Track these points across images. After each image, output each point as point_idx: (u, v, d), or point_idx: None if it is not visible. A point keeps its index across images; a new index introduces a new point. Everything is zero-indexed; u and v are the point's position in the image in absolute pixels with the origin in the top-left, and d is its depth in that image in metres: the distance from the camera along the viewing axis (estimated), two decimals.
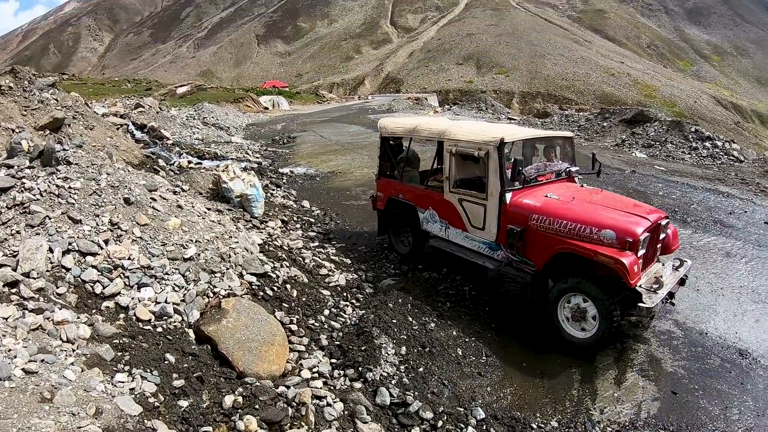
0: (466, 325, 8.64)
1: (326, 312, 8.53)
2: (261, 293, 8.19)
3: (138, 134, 27.87)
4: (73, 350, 5.68)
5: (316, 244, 11.81)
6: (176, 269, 7.82)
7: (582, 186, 9.80)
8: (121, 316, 6.76)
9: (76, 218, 8.03)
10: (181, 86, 69.88)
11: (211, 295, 7.67)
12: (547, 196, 8.65)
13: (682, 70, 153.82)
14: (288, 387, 6.51)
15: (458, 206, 9.61)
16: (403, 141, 11.78)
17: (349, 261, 10.99)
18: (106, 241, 7.82)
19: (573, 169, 9.93)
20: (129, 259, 7.66)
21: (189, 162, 21.36)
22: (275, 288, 8.46)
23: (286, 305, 8.22)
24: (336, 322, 8.36)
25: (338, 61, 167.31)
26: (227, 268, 8.28)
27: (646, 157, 25.61)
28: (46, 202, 8.20)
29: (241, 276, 8.33)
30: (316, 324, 8.15)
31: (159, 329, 6.75)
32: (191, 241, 8.49)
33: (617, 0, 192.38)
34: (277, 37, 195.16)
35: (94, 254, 7.55)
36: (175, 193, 11.58)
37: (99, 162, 9.80)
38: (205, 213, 10.33)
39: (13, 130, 14.63)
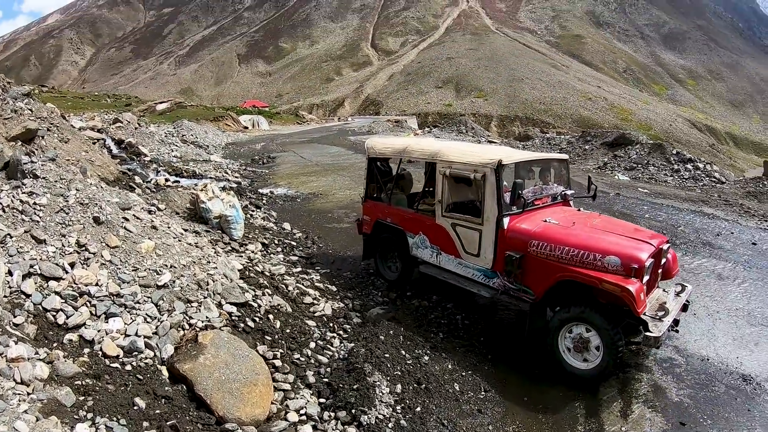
0: (462, 357, 8.11)
1: (312, 345, 7.87)
2: (242, 325, 7.52)
3: (115, 150, 27.53)
4: (28, 394, 4.95)
5: (299, 269, 11.16)
6: (149, 297, 7.13)
7: (579, 210, 9.35)
8: (86, 351, 6.04)
9: (40, 238, 7.34)
10: (160, 103, 69.49)
11: (187, 327, 6.97)
12: (546, 221, 8.22)
13: (658, 94, 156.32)
14: None
15: (451, 231, 9.11)
16: (391, 162, 11.28)
17: (334, 288, 10.36)
18: (72, 265, 7.12)
19: (569, 192, 9.57)
20: (96, 285, 6.96)
21: (166, 180, 20.83)
22: (257, 319, 7.79)
23: (269, 338, 7.54)
24: (323, 356, 7.71)
25: (318, 83, 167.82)
26: (205, 297, 7.60)
27: (629, 180, 25.60)
28: (9, 218, 7.51)
29: (219, 306, 7.64)
30: (302, 359, 7.48)
31: (128, 367, 6.02)
32: (166, 266, 7.81)
33: (594, 25, 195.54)
34: (258, 57, 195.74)
35: (58, 279, 6.84)
36: (150, 212, 10.95)
37: (69, 177, 9.12)
38: (182, 234, 9.68)
39: None
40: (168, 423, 5.28)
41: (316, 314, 8.81)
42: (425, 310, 9.63)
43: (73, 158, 16.48)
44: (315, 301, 9.25)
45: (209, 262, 8.57)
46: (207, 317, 7.23)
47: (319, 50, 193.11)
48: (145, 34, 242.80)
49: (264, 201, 18.77)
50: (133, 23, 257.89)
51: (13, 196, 7.95)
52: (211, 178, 23.19)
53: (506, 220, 8.26)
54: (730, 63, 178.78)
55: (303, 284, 9.98)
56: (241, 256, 10.83)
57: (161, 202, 13.85)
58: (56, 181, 8.68)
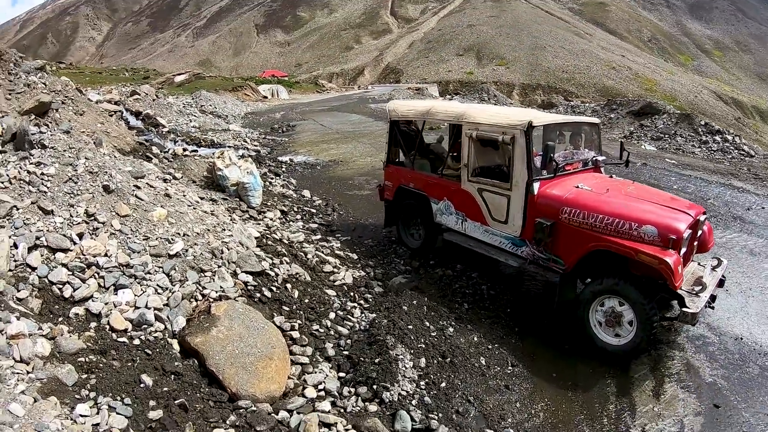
0: (488, 329, 7.74)
1: (332, 315, 7.53)
2: (258, 295, 7.17)
3: (133, 121, 27.32)
4: (27, 373, 4.65)
5: (319, 237, 10.82)
6: (160, 267, 6.81)
7: (611, 177, 8.85)
8: (92, 325, 5.75)
9: (48, 208, 7.03)
10: (179, 75, 68.72)
11: (200, 298, 6.64)
12: (578, 187, 7.74)
13: (683, 65, 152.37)
14: (290, 412, 5.54)
15: (477, 197, 8.68)
16: (412, 126, 10.87)
17: (355, 256, 10.00)
18: (80, 235, 6.82)
19: (600, 158, 9.01)
20: (105, 255, 6.66)
21: (184, 149, 20.31)
22: (274, 288, 7.44)
23: (287, 308, 7.21)
24: (343, 327, 7.37)
25: (338, 51, 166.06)
26: (219, 266, 7.26)
27: (656, 150, 24.80)
28: (15, 190, 7.23)
29: (234, 275, 7.30)
30: (321, 330, 7.14)
31: (136, 341, 5.71)
32: (178, 234, 7.48)
33: None
34: (276, 27, 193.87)
35: (65, 250, 6.55)
36: (165, 180, 10.65)
37: (78, 146, 8.77)
38: (197, 203, 9.34)
39: None
40: (176, 401, 4.96)
41: (336, 283, 8.46)
42: (449, 280, 9.25)
43: (89, 130, 16.18)
44: (335, 270, 8.90)
45: (224, 230, 8.24)
46: (221, 287, 6.90)
47: (337, 18, 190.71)
48: (162, 7, 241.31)
49: (283, 169, 18.41)
50: None
51: (20, 167, 7.66)
52: (229, 147, 22.73)
53: (536, 185, 7.83)
54: (758, 35, 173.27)
55: (322, 252, 9.63)
56: (259, 224, 10.50)
57: (177, 170, 13.53)
58: (65, 151, 8.35)
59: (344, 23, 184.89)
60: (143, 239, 7.11)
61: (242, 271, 7.39)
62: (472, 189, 8.76)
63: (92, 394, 4.78)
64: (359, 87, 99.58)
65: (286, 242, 9.45)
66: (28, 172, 7.57)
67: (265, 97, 60.98)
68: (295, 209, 12.85)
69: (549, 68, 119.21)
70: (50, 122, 15.42)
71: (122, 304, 6.12)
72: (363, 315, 7.81)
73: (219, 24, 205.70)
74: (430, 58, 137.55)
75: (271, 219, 11.41)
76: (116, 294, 6.27)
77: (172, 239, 7.27)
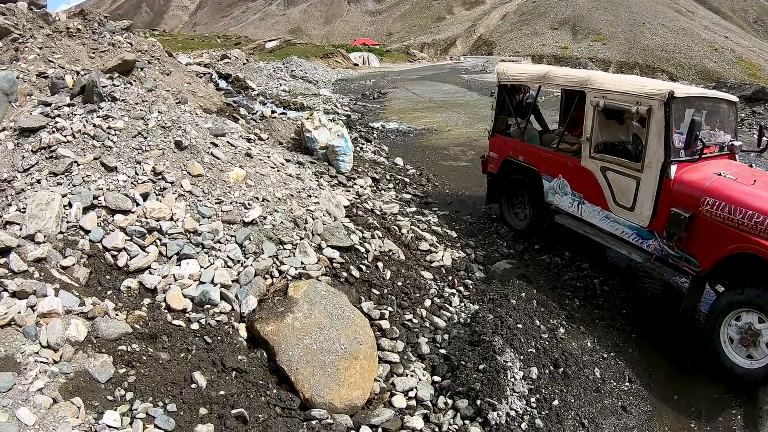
0: (602, 333, 6.55)
1: (427, 303, 6.40)
2: (344, 274, 6.10)
3: (222, 83, 27.36)
4: (54, 362, 3.70)
5: (413, 209, 9.68)
6: (232, 236, 5.85)
7: (751, 166, 7.34)
8: (145, 302, 4.83)
9: (111, 165, 6.19)
10: (270, 41, 69.31)
11: (277, 275, 5.62)
12: (720, 175, 6.29)
13: None
14: (374, 428, 4.45)
15: (600, 177, 7.34)
16: (528, 91, 9.58)
17: (453, 234, 8.80)
18: (145, 196, 5.95)
19: (736, 143, 7.48)
20: (171, 220, 5.76)
21: (273, 112, 19.84)
22: (363, 267, 6.37)
23: (377, 292, 6.11)
24: (440, 317, 6.25)
25: (429, 21, 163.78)
26: (301, 238, 6.22)
27: None
28: (78, 145, 6.46)
29: (319, 249, 6.24)
30: (415, 321, 6.02)
31: (194, 325, 4.73)
32: (256, 199, 6.48)
33: None
34: None
35: (125, 212, 5.69)
36: (249, 141, 9.84)
37: (152, 98, 7.90)
38: (282, 165, 8.40)
39: (78, 73, 13.22)
40: (233, 411, 3.89)
41: (432, 264, 7.31)
42: (558, 269, 8.01)
43: (174, 89, 15.70)
44: (432, 249, 7.74)
45: (310, 196, 7.23)
46: (302, 263, 5.86)
47: None
48: None
49: (375, 135, 17.53)
50: None
51: (86, 121, 6.85)
52: (320, 110, 22.05)
53: (674, 168, 6.46)
54: None
55: (418, 227, 8.48)
56: (349, 191, 9.48)
57: (264, 131, 12.74)
58: (137, 104, 7.50)
59: None
60: (216, 203, 6.15)
61: (328, 245, 6.32)
62: (593, 167, 7.43)
63: (128, 396, 3.79)
64: (451, 58, 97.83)
65: (379, 213, 8.38)
66: (94, 125, 6.76)
67: (356, 65, 60.64)
68: (388, 177, 11.79)
69: (648, 46, 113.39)
70: (134, 80, 15.00)
71: (184, 278, 5.20)
72: (463, 304, 6.65)
73: None
74: (524, 31, 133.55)
75: (362, 186, 10.40)
76: (179, 265, 5.37)
77: (249, 204, 6.28)
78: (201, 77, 26.19)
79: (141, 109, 7.36)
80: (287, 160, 10.19)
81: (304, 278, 5.57)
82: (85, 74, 13.01)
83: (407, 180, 11.91)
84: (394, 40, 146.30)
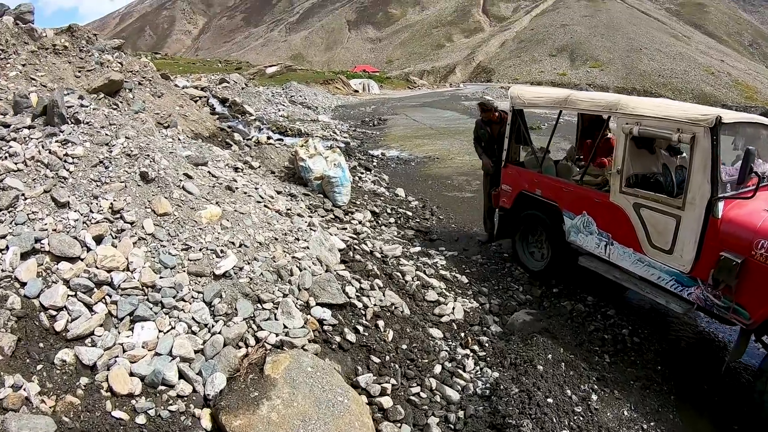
0: (638, 397, 5.51)
1: (437, 369, 5.32)
2: (337, 338, 5.03)
3: (219, 107, 26.85)
4: None
5: (418, 249, 8.60)
6: (199, 293, 4.79)
7: None
8: (83, 382, 3.75)
9: (62, 200, 5.18)
10: (270, 66, 68.94)
11: (253, 343, 4.53)
12: None
13: None
14: None
15: (632, 214, 6.32)
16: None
17: (464, 279, 7.71)
18: (98, 239, 4.92)
19: None
20: (126, 270, 4.71)
21: (268, 138, 19.06)
22: (361, 327, 5.29)
23: (377, 359, 5.03)
24: (453, 388, 5.16)
25: (429, 49, 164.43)
26: (285, 295, 5.16)
27: None
28: (30, 174, 5.49)
29: (306, 308, 5.17)
30: (423, 395, 4.93)
31: (141, 418, 3.63)
32: (232, 244, 5.42)
33: None
34: (368, 23, 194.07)
35: (72, 259, 4.65)
36: (236, 170, 8.87)
37: (121, 121, 6.91)
38: (271, 198, 7.40)
39: (50, 90, 12.40)
40: None
41: (442, 319, 6.22)
42: (581, 318, 6.97)
43: (164, 112, 14.92)
44: (441, 299, 6.65)
45: (298, 239, 6.15)
46: (285, 327, 4.78)
47: (429, 16, 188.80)
48: (255, 2, 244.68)
49: (374, 163, 16.69)
50: None
51: (42, 146, 5.86)
52: (317, 137, 21.46)
53: (721, 205, 5.46)
54: None
55: (425, 272, 7.39)
56: (345, 228, 8.43)
57: (255, 159, 11.79)
58: (102, 128, 6.51)
59: (435, 21, 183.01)
60: (182, 249, 5.10)
61: (317, 303, 5.23)
62: (625, 203, 6.41)
63: None
64: (450, 85, 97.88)
65: (379, 256, 7.31)
66: (50, 152, 5.76)
67: (356, 91, 60.28)
68: (389, 211, 10.78)
69: (645, 71, 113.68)
70: (121, 101, 14.24)
71: (136, 347, 4.14)
72: (479, 369, 5.58)
73: (311, 19, 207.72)
74: (522, 58, 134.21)
75: (360, 222, 9.38)
76: (131, 330, 4.30)
77: (222, 251, 5.22)
78: (196, 101, 25.69)
79: (106, 134, 6.37)
80: (278, 192, 9.23)
81: (286, 347, 4.49)
82: (68, 93, 12.17)
83: (410, 214, 10.90)
84: (394, 67, 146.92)
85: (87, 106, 7.34)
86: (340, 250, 6.68)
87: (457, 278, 7.54)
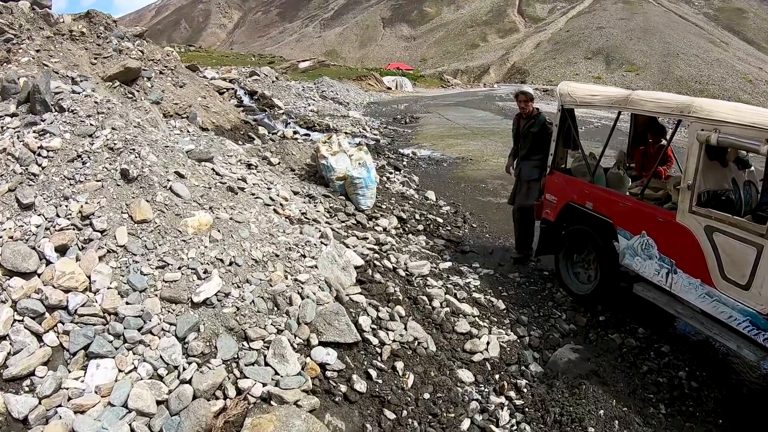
0: None
1: (465, 424, 4.30)
2: (343, 388, 4.04)
3: (246, 100, 26.15)
4: None
5: (449, 264, 7.56)
6: (171, 325, 3.86)
7: None
8: None
9: (25, 201, 4.36)
10: (303, 61, 68.68)
11: (232, 394, 3.56)
12: None
13: None
14: None
15: (703, 239, 5.21)
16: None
17: (500, 304, 6.62)
18: (63, 250, 4.07)
19: None
20: (86, 291, 3.81)
21: (295, 132, 18.38)
22: (374, 372, 4.30)
23: (392, 415, 4.02)
24: None
25: (463, 48, 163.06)
26: (279, 330, 4.20)
27: None
28: None
29: (306, 347, 4.19)
30: None
31: None
32: (220, 261, 4.47)
33: None
34: (402, 21, 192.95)
35: (26, 275, 3.87)
36: (249, 167, 7.95)
37: (116, 110, 6.03)
38: (284, 201, 6.49)
39: (72, 79, 11.70)
40: None
41: (474, 357, 5.18)
42: (633, 356, 5.92)
43: (184, 103, 14.21)
44: (474, 329, 5.60)
45: (304, 256, 5.16)
46: (275, 374, 3.80)
47: (464, 15, 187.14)
48: None
49: (404, 163, 15.71)
50: None
51: (17, 137, 5.01)
52: (346, 133, 20.71)
53: None
54: None
55: (455, 295, 6.34)
56: (366, 237, 7.41)
57: (275, 155, 10.91)
58: (89, 116, 5.64)
59: (470, 20, 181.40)
60: (157, 267, 4.16)
61: (320, 342, 4.24)
62: (695, 225, 5.29)
63: None
64: (484, 85, 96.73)
65: (403, 274, 6.28)
66: (25, 144, 4.90)
67: (389, 88, 59.48)
68: (417, 216, 9.77)
69: (681, 77, 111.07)
70: (138, 90, 13.61)
71: (86, 393, 3.24)
72: (515, 423, 4.55)
73: (346, 16, 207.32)
74: (557, 60, 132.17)
75: (385, 229, 8.43)
76: (83, 370, 3.41)
77: (205, 271, 4.26)
78: (223, 92, 25.14)
79: (91, 124, 5.50)
80: (295, 193, 8.33)
81: (275, 402, 3.50)
82: (81, 81, 11.45)
83: (440, 220, 9.89)
84: (427, 66, 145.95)
85: (79, 93, 6.50)
86: (357, 268, 5.67)
87: (493, 303, 6.48)
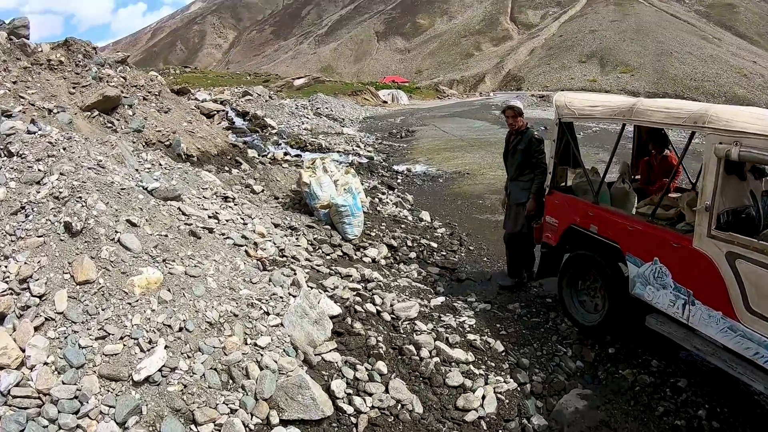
0: None
1: None
2: None
3: (238, 122, 26.35)
4: None
5: (441, 299, 6.97)
6: (110, 407, 3.32)
7: None
8: None
9: None
10: (298, 78, 68.67)
11: None
12: None
13: None
14: None
15: (724, 266, 4.64)
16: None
17: (498, 346, 5.95)
18: (0, 318, 3.53)
19: None
20: (21, 367, 3.33)
21: (285, 154, 18.15)
22: None
23: None
24: None
25: (458, 58, 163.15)
26: (233, 409, 3.64)
27: None
28: None
29: (265, 427, 3.63)
30: None
31: None
32: (168, 327, 3.91)
33: None
34: (396, 34, 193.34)
35: None
36: (226, 199, 7.48)
37: (65, 148, 5.54)
38: (260, 238, 6.03)
39: (50, 111, 11.33)
40: None
41: (467, 416, 4.57)
42: (647, 395, 5.35)
43: (167, 130, 13.79)
44: (467, 381, 5.01)
45: (268, 313, 4.59)
46: None
47: (457, 25, 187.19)
48: (284, 16, 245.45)
49: (399, 180, 15.33)
50: (272, 6, 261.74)
51: None
52: (338, 152, 20.65)
53: None
54: None
55: (447, 340, 5.73)
56: (350, 275, 6.79)
57: (259, 182, 10.44)
58: (38, 160, 5.15)
59: (464, 30, 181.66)
60: (97, 337, 3.63)
61: (282, 420, 3.67)
62: (714, 251, 4.70)
63: None
64: (480, 94, 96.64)
65: (389, 318, 5.68)
66: None
67: (385, 102, 59.21)
68: (409, 243, 9.23)
69: (676, 75, 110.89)
70: (118, 119, 13.23)
71: None
72: None
73: (340, 31, 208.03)
74: (552, 65, 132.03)
75: (374, 260, 7.91)
76: None
77: (151, 341, 3.71)
78: (213, 115, 24.88)
79: (40, 169, 5.01)
80: (275, 225, 7.83)
81: None
82: (58, 112, 11.04)
83: (434, 245, 9.35)
84: (423, 78, 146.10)
85: (34, 132, 6.02)
86: (333, 317, 5.08)
87: (490, 345, 5.85)
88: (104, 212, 4.60)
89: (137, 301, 3.95)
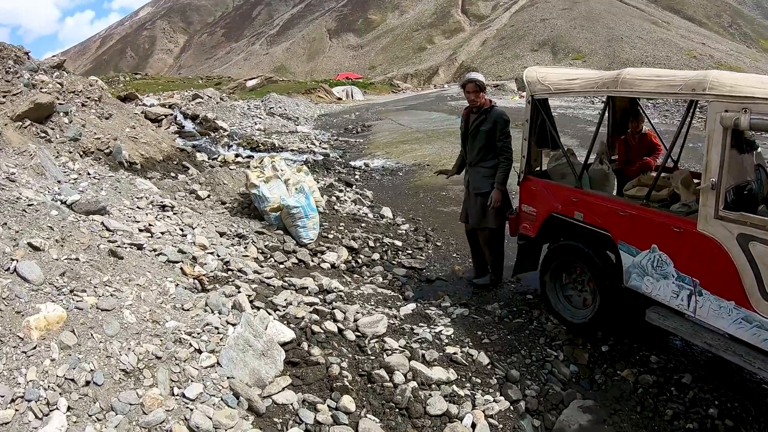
0: None
1: None
2: None
3: (187, 125, 25.60)
4: None
5: (412, 307, 6.18)
6: None
7: None
8: None
9: None
10: (250, 79, 67.85)
11: None
12: None
13: (767, 50, 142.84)
14: None
15: (736, 250, 4.08)
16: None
17: (483, 358, 5.18)
18: None
19: None
20: None
21: (237, 156, 17.41)
22: None
23: None
24: None
25: (411, 52, 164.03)
26: None
27: None
28: None
29: None
30: None
31: None
32: (71, 382, 3.03)
33: None
34: (348, 31, 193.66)
35: None
36: (163, 208, 6.69)
37: None
38: (201, 250, 5.21)
39: None
40: None
41: None
42: (652, 397, 4.78)
43: (108, 137, 12.88)
44: (451, 404, 4.24)
45: (199, 351, 3.72)
46: None
47: (408, 19, 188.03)
48: (235, 17, 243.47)
49: (356, 176, 14.76)
50: (222, 8, 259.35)
51: None
52: (292, 150, 20.18)
53: None
54: None
55: (423, 357, 4.89)
56: (306, 286, 5.99)
57: (204, 186, 9.59)
58: None
59: (415, 24, 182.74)
60: None
61: None
62: (724, 234, 4.12)
63: None
64: (435, 86, 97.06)
65: (353, 337, 4.85)
66: None
67: (340, 99, 58.91)
68: (372, 243, 8.52)
69: (627, 60, 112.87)
70: (53, 128, 12.32)
71: None
72: None
73: (292, 31, 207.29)
74: (505, 55, 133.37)
75: (333, 266, 7.18)
76: None
77: (47, 402, 2.86)
78: (161, 119, 23.97)
79: None
80: (221, 234, 7.01)
81: None
82: None
83: (399, 243, 8.65)
84: (377, 73, 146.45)
85: None
86: (285, 344, 4.24)
87: (473, 357, 5.05)
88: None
89: (33, 348, 3.10)
